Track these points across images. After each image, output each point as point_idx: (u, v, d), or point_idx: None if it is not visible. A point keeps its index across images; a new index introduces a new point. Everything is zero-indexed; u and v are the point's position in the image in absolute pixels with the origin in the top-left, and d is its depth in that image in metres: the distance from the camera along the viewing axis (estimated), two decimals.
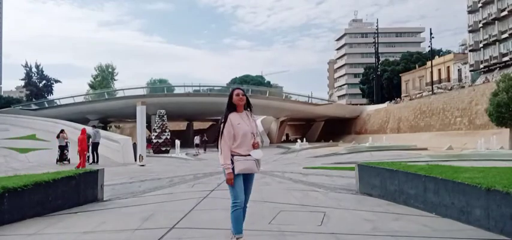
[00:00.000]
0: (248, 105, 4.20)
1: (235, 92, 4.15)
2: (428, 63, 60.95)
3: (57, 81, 74.75)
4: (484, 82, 45.55)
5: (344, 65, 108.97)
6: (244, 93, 4.16)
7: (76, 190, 6.95)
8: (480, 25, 54.48)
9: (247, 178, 4.11)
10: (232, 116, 4.08)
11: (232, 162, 3.98)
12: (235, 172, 3.94)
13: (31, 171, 10.86)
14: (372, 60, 76.41)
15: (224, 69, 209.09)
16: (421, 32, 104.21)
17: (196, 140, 35.34)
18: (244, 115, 4.13)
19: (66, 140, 19.32)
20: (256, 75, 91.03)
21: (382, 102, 59.29)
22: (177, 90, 52.09)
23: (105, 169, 8.09)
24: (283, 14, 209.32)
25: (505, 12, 49.76)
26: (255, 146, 4.03)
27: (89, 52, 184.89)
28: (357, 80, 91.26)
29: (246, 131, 4.02)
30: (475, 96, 35.68)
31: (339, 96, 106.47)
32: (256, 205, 6.15)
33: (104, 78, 70.61)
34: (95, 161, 18.81)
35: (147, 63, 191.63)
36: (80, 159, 16.71)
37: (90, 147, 19.26)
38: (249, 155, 3.99)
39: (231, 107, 4.12)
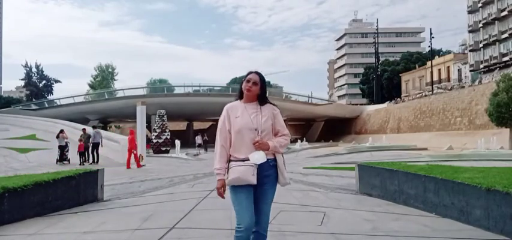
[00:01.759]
0: (263, 99, 3.17)
1: (248, 77, 3.15)
2: (428, 63, 60.98)
3: (57, 81, 74.93)
4: (479, 82, 45.60)
5: (344, 65, 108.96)
6: (262, 81, 3.14)
7: (76, 190, 6.95)
8: (480, 25, 54.50)
9: (259, 192, 3.04)
10: (232, 107, 3.16)
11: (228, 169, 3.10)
12: (227, 182, 3.02)
13: (31, 171, 10.86)
14: (372, 60, 76.42)
15: (224, 69, 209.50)
16: (421, 32, 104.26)
17: (198, 139, 35.29)
18: (252, 106, 3.12)
19: (66, 140, 19.32)
20: None
21: (382, 102, 59.30)
22: (177, 90, 52.18)
23: (105, 169, 8.09)
24: (284, 14, 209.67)
25: (505, 12, 49.78)
26: (256, 146, 2.99)
27: (89, 52, 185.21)
28: (357, 80, 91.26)
29: (241, 126, 3.03)
30: (475, 96, 35.69)
31: (339, 96, 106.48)
32: None
33: (104, 78, 70.63)
34: (95, 161, 18.81)
35: (148, 63, 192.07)
36: (128, 156, 17.10)
37: (90, 147, 19.27)
38: (247, 159, 2.99)
39: (241, 94, 3.19)
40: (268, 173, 3.05)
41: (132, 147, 17.30)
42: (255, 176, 2.95)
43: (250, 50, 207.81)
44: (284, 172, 3.11)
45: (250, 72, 3.17)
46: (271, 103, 3.21)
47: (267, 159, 3.02)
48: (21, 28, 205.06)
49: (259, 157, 2.98)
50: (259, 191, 3.04)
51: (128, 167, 16.67)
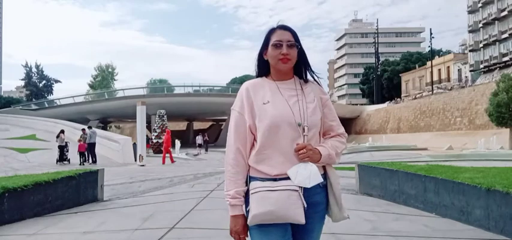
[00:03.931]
0: (305, 71, 1.93)
1: (276, 37, 1.86)
2: (428, 63, 60.99)
3: (57, 81, 75.00)
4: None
5: (344, 65, 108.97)
6: (297, 42, 1.89)
7: (76, 190, 6.94)
8: (480, 25, 54.52)
9: (299, 232, 1.85)
10: (255, 86, 1.87)
11: (249, 194, 1.78)
12: (249, 220, 1.75)
13: (31, 171, 10.85)
14: (372, 60, 76.45)
15: (225, 69, 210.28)
16: (421, 32, 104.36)
17: (199, 139, 35.27)
18: (288, 86, 1.87)
19: (64, 141, 19.30)
20: None
21: (382, 102, 59.32)
22: (177, 90, 52.18)
23: (105, 169, 8.09)
24: (285, 14, 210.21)
25: (505, 12, 49.79)
26: (300, 157, 1.75)
27: (89, 52, 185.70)
28: (357, 80, 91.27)
29: (276, 118, 1.77)
30: (475, 96, 35.70)
31: (339, 96, 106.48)
32: None
33: (104, 78, 70.76)
34: (93, 161, 18.78)
35: (149, 63, 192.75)
36: (164, 154, 19.49)
37: (86, 148, 19.23)
38: (285, 177, 1.74)
39: (262, 70, 1.92)
40: (316, 199, 1.83)
41: (168, 145, 19.63)
42: (301, 209, 1.72)
43: (250, 50, 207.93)
44: (340, 199, 1.93)
45: (273, 30, 1.88)
46: (317, 81, 1.98)
47: None
48: (21, 28, 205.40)
49: (312, 175, 1.74)
50: (299, 232, 1.84)
51: (164, 162, 18.86)
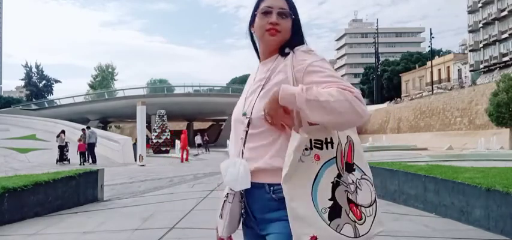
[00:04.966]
0: (290, 44, 1.43)
1: (263, 3, 1.45)
2: (428, 63, 60.96)
3: (57, 81, 75.00)
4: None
5: (344, 65, 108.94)
6: (292, 12, 1.48)
7: (76, 190, 6.95)
8: (480, 25, 54.50)
9: None
10: (251, 75, 1.57)
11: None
12: None
13: (31, 171, 10.86)
14: (372, 60, 76.42)
15: (225, 69, 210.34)
16: (421, 32, 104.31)
17: (198, 139, 35.25)
18: (265, 68, 1.44)
19: (64, 141, 19.29)
20: None
21: (382, 102, 59.26)
22: (177, 90, 52.16)
23: (105, 169, 8.09)
24: None
25: (505, 12, 49.77)
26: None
27: (89, 52, 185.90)
28: (357, 80, 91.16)
29: (233, 114, 1.48)
30: (475, 96, 35.69)
31: None
32: None
33: (104, 78, 70.75)
34: (92, 161, 18.77)
35: (149, 63, 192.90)
36: (181, 153, 20.63)
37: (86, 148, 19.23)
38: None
39: (257, 50, 1.56)
40: (275, 216, 1.31)
41: (185, 144, 20.65)
42: (224, 221, 1.41)
43: (251, 50, 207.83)
44: (294, 223, 1.21)
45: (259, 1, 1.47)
46: (307, 50, 1.42)
47: (266, 184, 1.32)
48: (21, 28, 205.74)
49: (240, 177, 1.31)
50: None
51: (182, 161, 19.86)
